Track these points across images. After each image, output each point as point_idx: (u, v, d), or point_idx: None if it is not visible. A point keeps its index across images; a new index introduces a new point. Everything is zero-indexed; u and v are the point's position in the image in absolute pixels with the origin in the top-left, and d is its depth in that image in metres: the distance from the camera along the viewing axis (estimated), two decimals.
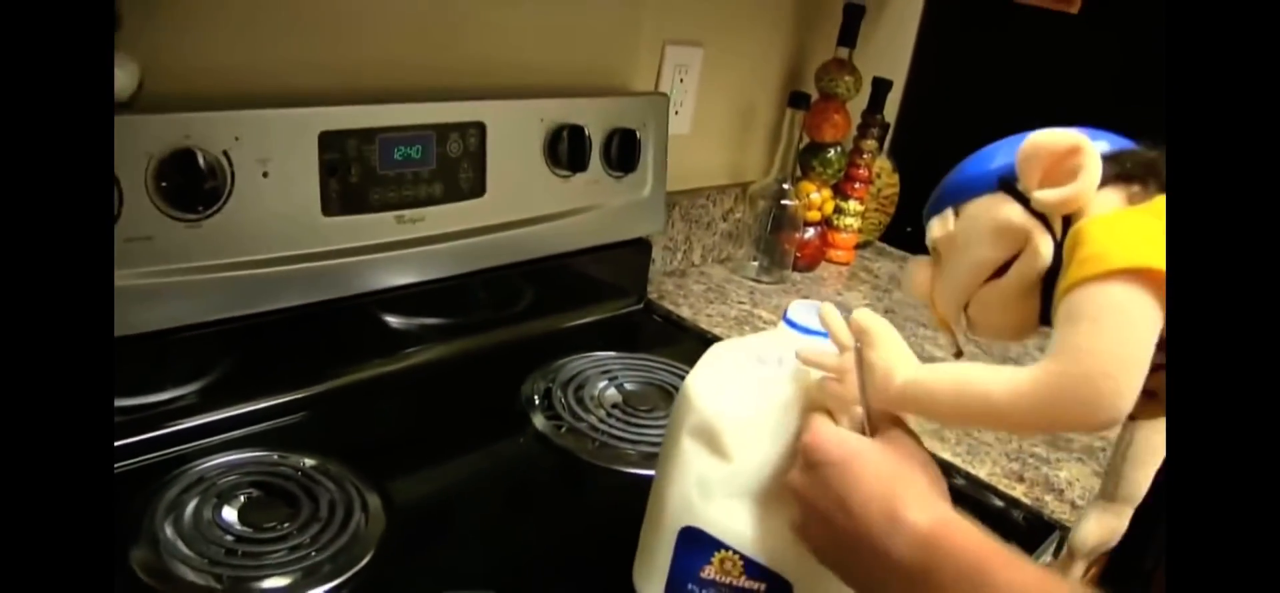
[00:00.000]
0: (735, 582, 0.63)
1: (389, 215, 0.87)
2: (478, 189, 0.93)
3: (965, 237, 0.60)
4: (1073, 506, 0.90)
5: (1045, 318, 0.58)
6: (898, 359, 0.57)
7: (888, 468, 0.55)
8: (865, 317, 0.58)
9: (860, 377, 0.58)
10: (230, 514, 0.71)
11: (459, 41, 0.97)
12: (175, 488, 0.72)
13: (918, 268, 0.66)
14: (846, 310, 0.61)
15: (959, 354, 0.67)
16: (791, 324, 0.65)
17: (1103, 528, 0.76)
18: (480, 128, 0.92)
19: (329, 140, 0.81)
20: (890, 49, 1.57)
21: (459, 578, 0.68)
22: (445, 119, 0.89)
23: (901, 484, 0.54)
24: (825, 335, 0.62)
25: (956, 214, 0.61)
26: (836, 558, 0.57)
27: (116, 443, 0.76)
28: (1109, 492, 0.78)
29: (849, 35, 1.35)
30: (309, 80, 0.85)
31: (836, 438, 0.57)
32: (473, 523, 0.78)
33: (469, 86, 0.95)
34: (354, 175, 0.83)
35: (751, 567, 0.62)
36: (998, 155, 0.59)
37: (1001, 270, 0.59)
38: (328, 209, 0.82)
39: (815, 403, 0.61)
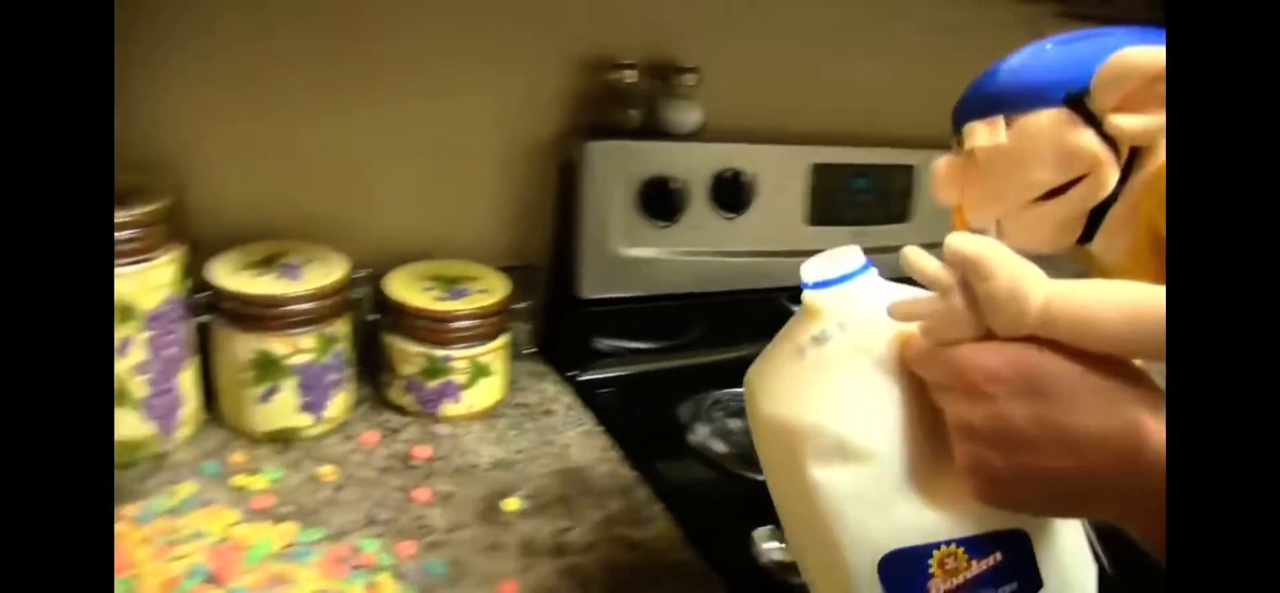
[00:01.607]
0: (969, 574, 0.49)
1: (845, 229, 1.15)
2: (905, 216, 1.21)
3: (1021, 153, 0.53)
4: None
5: (1084, 238, 0.55)
6: (1025, 279, 0.44)
7: (1088, 383, 0.43)
8: (967, 242, 0.45)
9: (975, 313, 0.46)
10: (735, 423, 1.02)
11: (893, 108, 1.24)
12: (705, 402, 1.04)
13: (946, 169, 0.58)
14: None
15: None
16: (818, 285, 0.54)
17: None
18: (908, 170, 1.19)
19: (817, 171, 1.11)
20: None
21: None
22: (887, 161, 1.18)
23: (1127, 404, 0.43)
24: (855, 275, 0.53)
25: (1008, 124, 0.53)
26: (1056, 492, 0.45)
27: (668, 365, 1.09)
28: None
29: None
30: (806, 126, 1.17)
31: (1003, 354, 0.45)
32: None
33: (905, 138, 1.22)
34: (827, 197, 1.13)
35: (974, 546, 0.49)
36: (1056, 64, 0.53)
37: (1053, 192, 0.53)
38: (809, 220, 1.13)
39: (908, 336, 0.50)
